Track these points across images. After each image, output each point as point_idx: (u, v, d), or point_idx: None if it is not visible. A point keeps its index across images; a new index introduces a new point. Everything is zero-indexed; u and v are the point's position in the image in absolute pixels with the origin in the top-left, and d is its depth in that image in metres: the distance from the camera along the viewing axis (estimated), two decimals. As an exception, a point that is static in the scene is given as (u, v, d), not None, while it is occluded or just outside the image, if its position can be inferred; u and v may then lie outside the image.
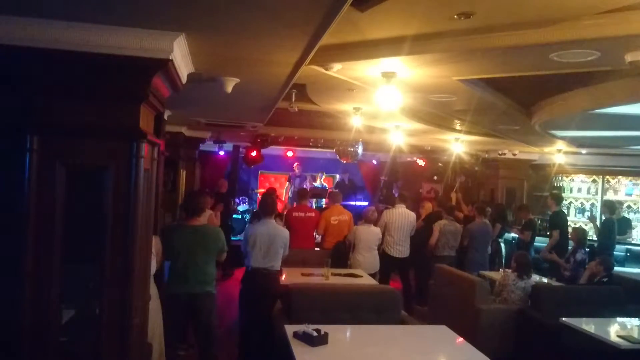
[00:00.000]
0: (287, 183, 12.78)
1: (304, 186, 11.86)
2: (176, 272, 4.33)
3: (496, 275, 6.67)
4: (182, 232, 4.42)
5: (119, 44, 2.45)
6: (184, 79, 3.15)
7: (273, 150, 12.19)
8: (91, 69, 2.50)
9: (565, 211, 10.62)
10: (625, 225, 9.31)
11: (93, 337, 2.57)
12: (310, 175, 13.04)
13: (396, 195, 9.61)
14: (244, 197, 12.54)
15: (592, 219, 9.43)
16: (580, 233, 7.04)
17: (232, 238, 9.67)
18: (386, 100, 4.02)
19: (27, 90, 2.48)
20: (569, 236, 7.67)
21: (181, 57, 2.84)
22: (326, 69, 3.88)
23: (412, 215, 7.45)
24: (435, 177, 12.88)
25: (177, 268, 4.33)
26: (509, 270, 5.93)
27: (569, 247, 8.19)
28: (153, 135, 2.81)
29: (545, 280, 6.52)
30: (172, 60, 2.59)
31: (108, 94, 2.54)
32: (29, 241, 2.44)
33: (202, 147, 10.37)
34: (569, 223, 10.20)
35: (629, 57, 3.10)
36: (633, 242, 9.70)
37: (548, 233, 8.36)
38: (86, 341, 2.64)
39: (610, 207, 8.57)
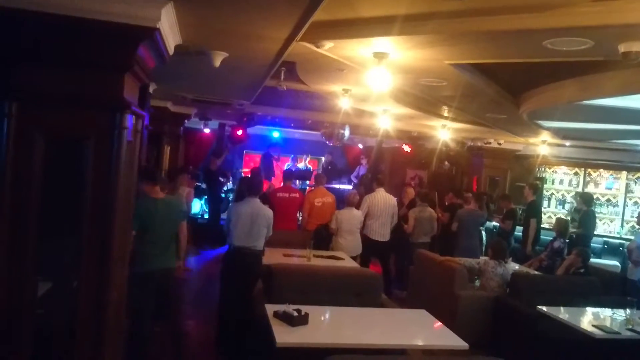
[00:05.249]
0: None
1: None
2: (149, 247, 4.16)
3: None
4: (149, 204, 4.22)
5: (104, 9, 2.34)
6: (171, 50, 3.06)
7: (259, 130, 12.09)
8: (74, 34, 2.39)
9: (546, 202, 10.78)
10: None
11: (69, 310, 2.51)
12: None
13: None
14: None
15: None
16: (562, 224, 7.11)
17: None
18: (377, 81, 3.98)
19: (5, 55, 2.36)
20: (552, 227, 7.74)
21: (169, 26, 2.76)
22: (317, 47, 3.81)
23: (393, 198, 7.44)
24: (422, 161, 12.80)
25: (148, 243, 4.15)
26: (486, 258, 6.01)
27: (541, 237, 8.31)
28: (137, 107, 2.72)
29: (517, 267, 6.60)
30: (159, 29, 2.50)
31: (91, 61, 2.44)
32: (5, 210, 2.36)
33: (188, 123, 10.24)
34: (549, 214, 10.40)
35: (622, 48, 3.08)
36: (611, 234, 9.89)
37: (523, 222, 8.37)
38: (62, 314, 2.59)
39: (586, 199, 8.64)
